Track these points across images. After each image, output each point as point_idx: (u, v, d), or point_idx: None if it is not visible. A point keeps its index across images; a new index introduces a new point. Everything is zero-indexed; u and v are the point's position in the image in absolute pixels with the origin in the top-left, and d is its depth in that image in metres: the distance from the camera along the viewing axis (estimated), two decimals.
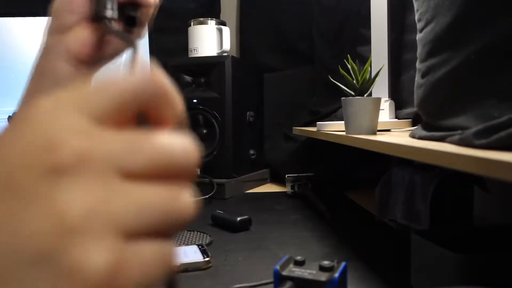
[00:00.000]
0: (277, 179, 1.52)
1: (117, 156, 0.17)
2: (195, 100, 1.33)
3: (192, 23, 1.44)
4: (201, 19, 1.43)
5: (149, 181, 0.18)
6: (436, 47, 0.68)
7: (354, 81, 0.85)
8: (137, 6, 0.47)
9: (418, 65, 0.75)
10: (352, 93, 0.85)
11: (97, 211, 0.16)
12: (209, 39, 1.41)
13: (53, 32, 0.48)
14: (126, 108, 0.18)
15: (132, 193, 0.17)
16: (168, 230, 0.18)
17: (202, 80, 1.35)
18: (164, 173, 0.18)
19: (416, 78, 0.76)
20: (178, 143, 0.18)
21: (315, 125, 1.16)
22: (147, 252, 0.17)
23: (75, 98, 0.18)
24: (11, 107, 1.36)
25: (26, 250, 0.15)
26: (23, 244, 0.16)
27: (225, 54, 1.40)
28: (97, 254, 0.16)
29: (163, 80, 0.19)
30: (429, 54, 0.70)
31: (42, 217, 0.16)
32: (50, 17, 0.48)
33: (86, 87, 0.19)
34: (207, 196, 1.19)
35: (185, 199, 0.18)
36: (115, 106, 0.18)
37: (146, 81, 0.19)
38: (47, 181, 0.16)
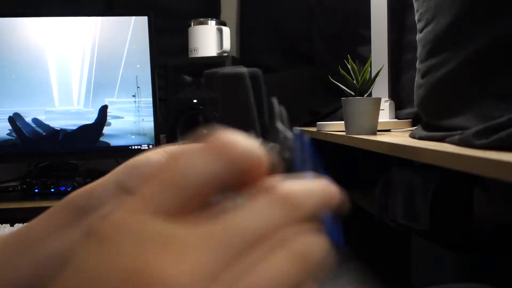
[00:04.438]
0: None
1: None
2: (195, 101, 1.33)
3: (192, 23, 1.44)
4: (201, 19, 1.43)
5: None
6: (436, 47, 0.68)
7: (354, 81, 0.85)
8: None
9: (418, 65, 0.75)
10: (352, 93, 0.85)
11: None
12: (209, 39, 1.41)
13: None
14: (203, 192, 0.17)
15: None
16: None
17: (202, 80, 1.35)
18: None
19: (416, 78, 0.76)
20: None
21: (315, 125, 1.16)
22: None
23: (143, 202, 0.17)
24: (11, 107, 1.36)
25: None
26: None
27: (225, 54, 1.40)
28: None
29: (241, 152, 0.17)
30: (429, 54, 0.70)
31: None
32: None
33: (149, 186, 0.17)
34: None
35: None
36: (186, 195, 0.17)
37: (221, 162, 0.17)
38: None
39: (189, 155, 0.17)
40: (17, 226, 1.08)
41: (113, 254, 0.16)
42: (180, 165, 0.17)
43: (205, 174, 0.17)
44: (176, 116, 1.35)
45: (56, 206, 0.38)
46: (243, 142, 0.18)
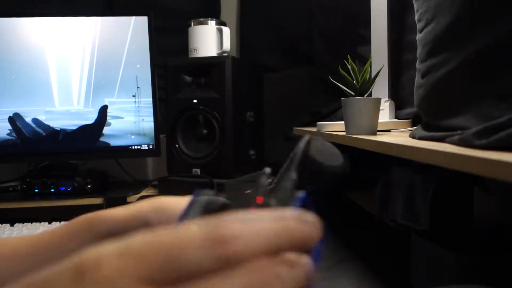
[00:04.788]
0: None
1: None
2: (195, 100, 1.33)
3: (192, 23, 1.44)
4: (201, 19, 1.43)
5: None
6: (436, 47, 0.68)
7: (354, 81, 0.85)
8: None
9: (418, 65, 0.75)
10: (352, 93, 0.85)
11: None
12: (209, 39, 1.41)
13: None
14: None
15: None
16: None
17: (202, 80, 1.35)
18: None
19: (416, 78, 0.76)
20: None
21: (315, 125, 1.16)
22: None
23: (136, 265, 0.19)
24: (11, 107, 1.36)
25: None
26: None
27: (225, 54, 1.40)
28: None
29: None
30: (429, 54, 0.70)
31: None
32: None
33: (146, 248, 0.19)
34: None
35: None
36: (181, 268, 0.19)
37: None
38: None
39: (193, 246, 0.19)
40: (17, 226, 1.08)
41: None
42: (181, 254, 0.19)
43: (201, 267, 0.19)
44: (176, 116, 1.35)
45: (75, 221, 0.40)
46: (242, 240, 0.19)
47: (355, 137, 0.80)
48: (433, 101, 0.69)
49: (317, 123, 1.11)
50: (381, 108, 0.86)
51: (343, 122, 0.88)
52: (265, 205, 0.22)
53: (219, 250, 0.19)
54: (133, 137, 1.41)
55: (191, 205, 0.25)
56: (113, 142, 1.41)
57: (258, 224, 0.20)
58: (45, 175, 1.37)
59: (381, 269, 0.72)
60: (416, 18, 0.77)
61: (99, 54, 1.38)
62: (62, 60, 1.37)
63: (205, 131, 1.35)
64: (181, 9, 1.68)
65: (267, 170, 0.29)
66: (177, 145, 1.35)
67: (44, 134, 1.38)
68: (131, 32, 1.38)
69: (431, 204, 0.72)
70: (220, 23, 1.45)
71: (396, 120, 1.03)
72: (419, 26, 0.75)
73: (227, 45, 1.40)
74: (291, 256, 0.20)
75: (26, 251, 0.37)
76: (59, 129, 1.38)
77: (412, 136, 0.74)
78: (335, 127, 1.03)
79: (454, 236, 0.64)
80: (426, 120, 0.73)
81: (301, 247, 0.20)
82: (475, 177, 0.66)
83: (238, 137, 1.36)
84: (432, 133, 0.66)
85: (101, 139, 1.40)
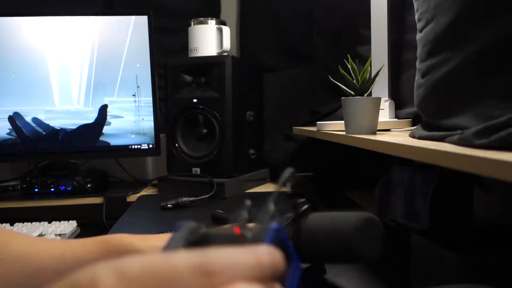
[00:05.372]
0: (277, 179, 1.52)
1: None
2: (195, 100, 1.33)
3: (192, 23, 1.44)
4: (201, 19, 1.43)
5: None
6: (436, 47, 0.68)
7: (354, 81, 0.84)
8: None
9: (418, 65, 0.75)
10: (352, 93, 0.85)
11: None
12: (209, 39, 1.41)
13: None
14: None
15: None
16: None
17: (202, 80, 1.35)
18: None
19: (416, 78, 0.76)
20: None
21: (315, 125, 1.16)
22: None
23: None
24: (11, 107, 1.36)
25: None
26: None
27: (225, 54, 1.40)
28: None
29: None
30: (429, 54, 0.69)
31: None
32: None
33: (140, 272, 0.22)
34: (207, 196, 1.19)
35: None
36: None
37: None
38: None
39: (184, 277, 0.22)
40: (17, 225, 1.08)
41: None
42: (173, 282, 0.22)
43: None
44: (176, 116, 1.35)
45: (96, 239, 0.44)
46: (225, 274, 0.22)
47: (355, 137, 0.80)
48: (433, 100, 0.69)
49: (317, 122, 1.11)
50: (381, 107, 0.86)
51: (343, 121, 0.88)
52: (241, 236, 0.26)
53: (206, 282, 0.22)
54: (133, 136, 1.41)
55: (174, 235, 0.27)
56: (113, 142, 1.41)
57: (236, 259, 0.23)
58: (45, 174, 1.37)
59: (381, 269, 0.72)
60: (416, 17, 0.76)
61: (99, 53, 1.38)
62: (62, 60, 1.37)
63: (205, 131, 1.35)
64: (181, 8, 1.67)
65: (248, 202, 0.33)
66: (177, 145, 1.35)
67: (44, 133, 1.38)
68: (131, 31, 1.38)
69: (431, 204, 0.72)
70: (220, 22, 1.45)
71: (396, 119, 1.03)
72: (419, 25, 0.75)
73: (227, 45, 1.40)
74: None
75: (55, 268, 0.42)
76: (59, 128, 1.38)
77: (412, 135, 0.74)
78: (335, 126, 1.03)
79: (454, 236, 0.64)
80: (426, 120, 0.73)
81: (272, 276, 0.24)
82: (475, 177, 0.66)
83: (238, 137, 1.36)
84: (432, 133, 0.66)
85: (101, 138, 1.40)
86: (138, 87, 1.40)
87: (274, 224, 0.27)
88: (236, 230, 0.27)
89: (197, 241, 0.26)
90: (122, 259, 0.22)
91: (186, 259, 0.22)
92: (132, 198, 1.30)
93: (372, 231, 0.56)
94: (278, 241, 0.27)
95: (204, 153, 1.33)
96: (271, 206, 0.31)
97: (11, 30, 1.34)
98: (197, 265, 0.22)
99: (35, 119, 1.37)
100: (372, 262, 0.41)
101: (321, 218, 0.62)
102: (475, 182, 0.77)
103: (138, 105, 1.40)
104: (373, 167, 1.18)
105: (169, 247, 0.26)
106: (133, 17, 1.38)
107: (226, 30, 1.41)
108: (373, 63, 1.03)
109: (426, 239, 0.60)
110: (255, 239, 0.26)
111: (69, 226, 1.11)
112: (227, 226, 0.30)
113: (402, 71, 1.06)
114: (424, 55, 0.71)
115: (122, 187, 1.43)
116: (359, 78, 0.84)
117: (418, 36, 0.75)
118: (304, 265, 0.67)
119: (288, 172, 0.35)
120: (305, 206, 0.60)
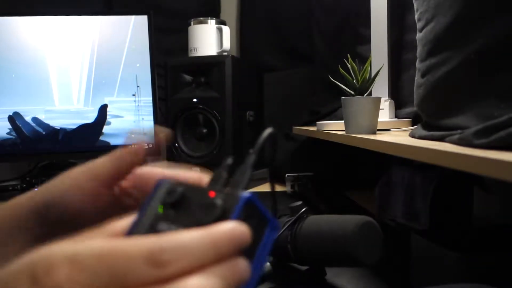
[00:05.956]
0: (277, 179, 1.52)
1: None
2: (195, 100, 1.33)
3: (192, 22, 1.44)
4: (201, 18, 1.43)
5: None
6: (436, 46, 0.68)
7: (354, 81, 0.84)
8: None
9: (418, 64, 0.75)
10: (352, 92, 0.85)
11: None
12: (209, 39, 1.41)
13: None
14: None
15: None
16: None
17: (202, 79, 1.35)
18: None
19: (416, 78, 0.76)
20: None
21: (315, 125, 1.16)
22: None
23: (86, 277, 0.22)
24: (11, 106, 1.36)
25: None
26: None
27: (225, 53, 1.40)
28: None
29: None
30: (429, 54, 0.69)
31: None
32: None
33: (95, 260, 0.22)
34: None
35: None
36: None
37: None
38: None
39: (138, 266, 0.22)
40: None
41: None
42: (127, 272, 0.22)
43: (143, 285, 0.22)
44: (176, 116, 1.34)
45: (19, 205, 0.42)
46: (178, 262, 0.23)
47: (355, 136, 0.80)
48: (433, 100, 0.69)
49: (317, 122, 1.11)
50: (381, 107, 0.86)
51: (343, 121, 0.88)
52: (213, 202, 0.26)
53: (158, 272, 0.22)
54: (133, 136, 1.41)
55: (154, 192, 0.28)
56: (113, 141, 1.40)
57: (190, 245, 0.23)
58: (45, 174, 1.37)
59: (381, 269, 0.72)
60: (416, 17, 0.76)
61: (99, 53, 1.38)
62: (62, 59, 1.37)
63: (205, 131, 1.35)
64: (181, 8, 1.67)
65: (229, 160, 0.32)
66: (177, 144, 1.35)
67: (44, 133, 1.38)
68: (131, 31, 1.38)
69: (431, 203, 0.72)
70: (220, 22, 1.45)
71: (396, 119, 1.03)
72: (419, 25, 0.75)
73: (227, 45, 1.40)
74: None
75: None
76: (59, 128, 1.38)
77: (412, 135, 0.74)
78: (335, 126, 1.03)
79: (454, 236, 0.64)
80: (426, 120, 0.73)
81: (236, 251, 0.24)
82: (475, 176, 0.66)
83: (238, 137, 1.35)
84: (432, 133, 0.66)
85: (101, 138, 1.40)
86: (138, 87, 1.40)
87: (244, 193, 0.27)
88: (211, 194, 0.27)
89: (174, 202, 0.27)
90: (79, 244, 0.23)
91: (139, 247, 0.22)
92: None
93: (370, 235, 0.56)
94: (250, 207, 0.27)
95: (204, 153, 1.33)
96: (247, 169, 0.31)
97: (11, 30, 1.34)
98: (149, 254, 0.22)
99: (35, 119, 1.37)
100: (371, 265, 0.41)
101: (317, 222, 0.62)
102: (475, 182, 0.77)
103: (138, 105, 1.40)
104: (373, 167, 1.18)
105: (147, 204, 0.27)
106: (133, 17, 1.38)
107: (226, 30, 1.41)
108: (373, 63, 1.03)
109: (426, 239, 0.60)
110: (226, 208, 0.26)
111: None
112: (205, 186, 0.30)
113: (402, 71, 1.06)
114: (424, 55, 0.71)
115: None
116: (359, 78, 0.84)
117: (418, 36, 0.75)
118: (303, 267, 0.67)
119: (267, 132, 0.34)
120: (303, 210, 0.60)
